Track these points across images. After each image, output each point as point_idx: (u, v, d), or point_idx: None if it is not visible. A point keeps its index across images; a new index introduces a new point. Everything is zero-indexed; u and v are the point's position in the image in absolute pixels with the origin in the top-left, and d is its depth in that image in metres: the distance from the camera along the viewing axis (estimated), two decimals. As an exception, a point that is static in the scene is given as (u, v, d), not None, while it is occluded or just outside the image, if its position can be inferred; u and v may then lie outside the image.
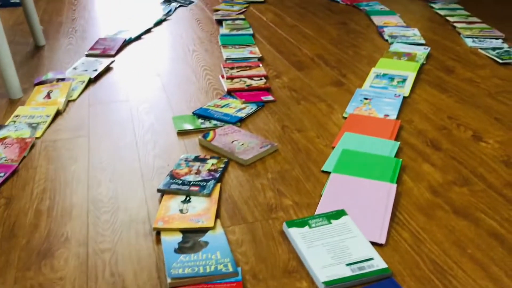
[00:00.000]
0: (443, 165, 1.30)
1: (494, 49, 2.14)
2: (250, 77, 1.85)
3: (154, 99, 1.70)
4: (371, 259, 0.94)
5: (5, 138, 1.41)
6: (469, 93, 1.73)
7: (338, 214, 1.06)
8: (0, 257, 0.98)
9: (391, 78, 1.83)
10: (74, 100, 1.69)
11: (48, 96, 1.67)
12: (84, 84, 1.79)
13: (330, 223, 1.04)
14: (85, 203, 1.14)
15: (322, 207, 1.10)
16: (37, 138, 1.43)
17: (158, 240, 1.02)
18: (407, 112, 1.60)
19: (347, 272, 0.91)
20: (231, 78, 1.84)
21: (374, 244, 1.00)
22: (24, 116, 1.54)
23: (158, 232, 1.03)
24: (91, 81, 1.84)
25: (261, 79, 1.83)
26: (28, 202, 1.15)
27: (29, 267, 0.95)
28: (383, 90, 1.74)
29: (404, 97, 1.69)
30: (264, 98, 1.68)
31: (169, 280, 0.88)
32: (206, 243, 0.99)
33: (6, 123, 1.51)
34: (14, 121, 1.52)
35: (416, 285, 0.90)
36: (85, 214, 1.10)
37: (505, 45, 2.18)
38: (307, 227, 1.03)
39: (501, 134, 1.46)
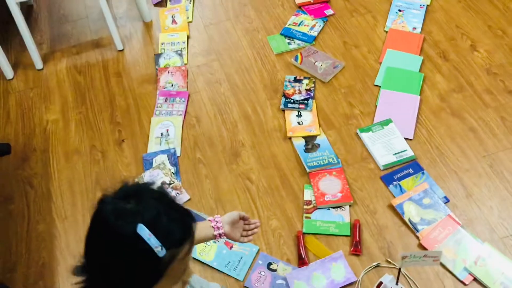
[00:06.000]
0: (449, 75, 2.08)
1: None
2: (312, -13, 2.45)
3: (247, 19, 2.37)
4: (405, 150, 1.84)
5: (166, 67, 2.17)
6: (474, -1, 2.38)
7: (387, 122, 1.92)
8: (214, 158, 1.88)
9: (418, -16, 2.43)
10: (191, 22, 2.37)
11: (174, 21, 2.34)
12: (192, 3, 2.43)
13: (383, 128, 1.90)
14: (247, 120, 1.99)
15: (378, 116, 1.95)
16: (185, 64, 2.19)
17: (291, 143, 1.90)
18: (428, 22, 2.29)
19: (394, 158, 1.82)
20: (297, -11, 2.45)
21: (406, 139, 1.88)
22: (168, 44, 2.26)
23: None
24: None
25: (320, -11, 2.45)
26: (209, 120, 2.00)
27: (232, 163, 1.86)
28: (411, -2, 2.38)
29: (427, 5, 2.35)
30: (326, 13, 2.35)
31: (308, 170, 1.80)
32: (318, 144, 1.88)
33: (160, 52, 2.24)
34: (164, 49, 2.24)
35: (429, 163, 1.82)
36: (245, 127, 1.96)
37: None
38: (370, 132, 1.90)
39: (489, 43, 2.19)
